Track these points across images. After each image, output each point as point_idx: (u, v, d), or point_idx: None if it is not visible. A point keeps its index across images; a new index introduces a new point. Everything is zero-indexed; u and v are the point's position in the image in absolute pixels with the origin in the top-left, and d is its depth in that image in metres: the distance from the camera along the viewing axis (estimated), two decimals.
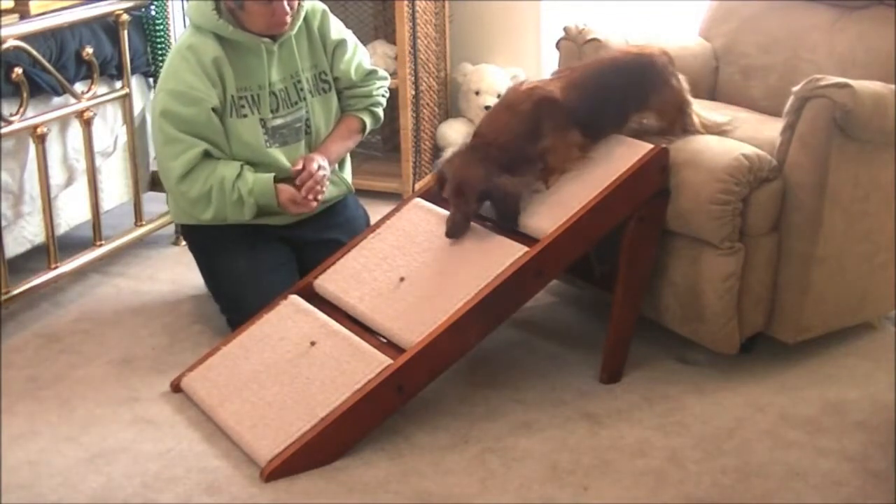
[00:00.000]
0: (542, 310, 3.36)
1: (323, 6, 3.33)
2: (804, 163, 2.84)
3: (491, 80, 4.35)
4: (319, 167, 3.20)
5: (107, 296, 3.55)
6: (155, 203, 3.88)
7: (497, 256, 2.78)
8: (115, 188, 3.82)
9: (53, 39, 3.36)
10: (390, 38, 4.35)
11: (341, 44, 3.34)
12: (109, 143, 3.70)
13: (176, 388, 2.94)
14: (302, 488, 2.52)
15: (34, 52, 3.24)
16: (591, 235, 2.83)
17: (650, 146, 2.88)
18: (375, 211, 3.49)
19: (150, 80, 3.83)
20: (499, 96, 4.30)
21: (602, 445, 2.67)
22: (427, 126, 4.39)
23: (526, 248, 2.77)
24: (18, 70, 3.18)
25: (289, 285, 3.10)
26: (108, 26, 3.58)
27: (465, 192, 2.84)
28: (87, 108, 3.47)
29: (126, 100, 3.67)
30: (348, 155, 3.46)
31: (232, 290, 3.21)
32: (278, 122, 3.22)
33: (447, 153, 2.96)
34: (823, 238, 2.88)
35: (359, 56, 3.40)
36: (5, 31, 3.15)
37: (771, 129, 3.01)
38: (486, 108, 4.27)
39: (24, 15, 3.35)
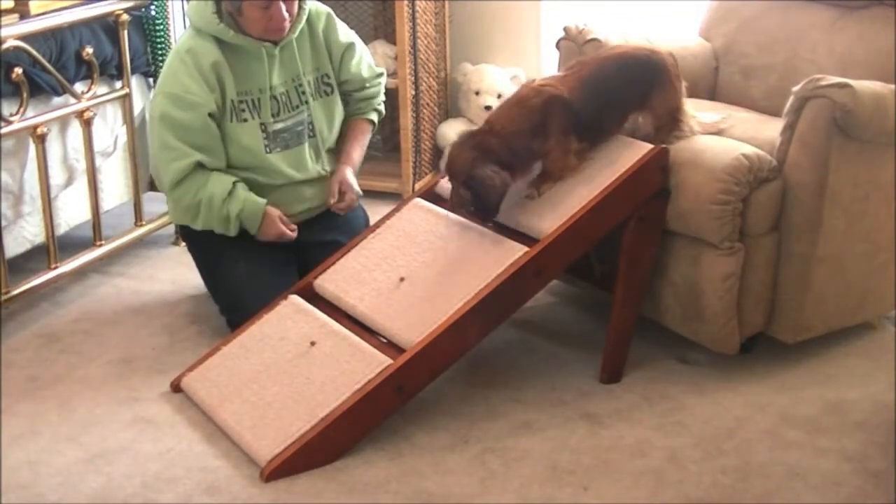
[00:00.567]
0: (542, 310, 3.36)
1: (327, 9, 3.32)
2: (804, 163, 2.84)
3: (491, 80, 4.35)
4: (354, 191, 3.33)
5: (107, 296, 3.55)
6: (155, 203, 3.88)
7: (497, 256, 2.78)
8: (115, 188, 3.82)
9: (53, 39, 3.36)
10: (390, 38, 4.35)
11: (350, 48, 3.34)
12: (109, 143, 3.70)
13: (176, 388, 2.94)
14: (302, 488, 2.52)
15: (34, 52, 3.24)
16: (591, 235, 2.83)
17: (650, 146, 2.88)
18: (375, 211, 3.49)
19: (150, 80, 3.83)
20: (499, 96, 4.31)
21: (602, 445, 2.67)
22: (427, 126, 4.39)
23: (526, 248, 2.77)
24: (18, 70, 3.18)
25: (288, 286, 3.10)
26: (108, 26, 3.58)
27: (455, 174, 2.85)
28: (87, 108, 3.47)
29: (126, 100, 3.67)
30: None
31: (231, 290, 3.21)
32: (279, 126, 3.22)
33: (464, 131, 2.94)
34: (823, 238, 2.88)
35: (366, 57, 3.41)
36: (5, 31, 3.15)
37: (771, 129, 3.01)
38: (487, 108, 4.27)
39: (24, 15, 3.35)
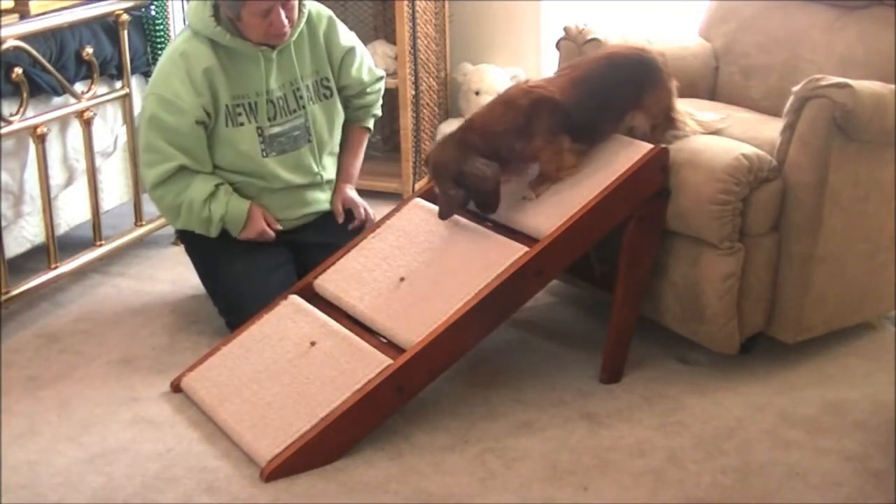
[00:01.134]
0: (542, 310, 3.35)
1: (329, 12, 3.31)
2: (804, 163, 2.84)
3: (491, 80, 4.35)
4: (363, 208, 3.38)
5: (107, 296, 3.55)
6: None
7: (497, 256, 2.78)
8: (115, 188, 3.82)
9: (53, 39, 3.36)
10: (390, 38, 4.35)
11: (350, 52, 3.33)
12: (109, 143, 3.70)
13: (176, 388, 2.94)
14: (302, 488, 2.52)
15: (34, 52, 3.24)
16: (591, 235, 2.83)
17: (650, 146, 2.88)
18: (375, 211, 3.48)
19: (150, 80, 3.82)
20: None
21: (602, 445, 2.67)
22: (427, 126, 4.39)
23: (526, 248, 2.77)
24: (18, 70, 3.18)
25: (287, 287, 3.10)
26: (108, 26, 3.58)
27: (440, 174, 2.84)
28: (87, 108, 3.47)
29: (126, 100, 3.67)
30: None
31: (230, 292, 3.21)
32: (276, 130, 3.21)
33: (440, 136, 2.96)
34: (823, 238, 2.88)
35: (366, 61, 3.40)
36: (5, 31, 3.15)
37: (771, 129, 3.01)
38: None
39: (24, 15, 3.35)
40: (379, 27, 4.56)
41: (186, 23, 3.21)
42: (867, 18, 3.28)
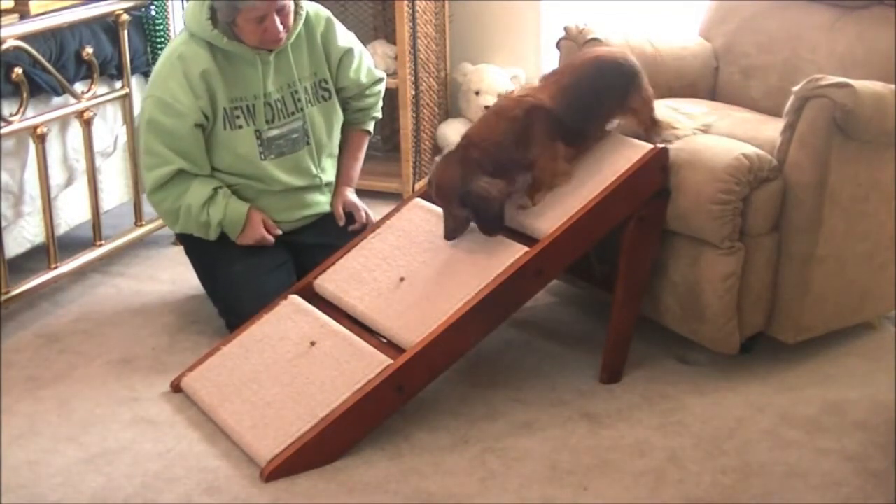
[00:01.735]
0: (542, 310, 3.35)
1: (327, 13, 3.30)
2: (804, 162, 2.84)
3: (491, 80, 4.35)
4: (362, 211, 3.38)
5: (107, 296, 3.55)
6: None
7: (497, 256, 2.78)
8: (115, 188, 3.82)
9: (53, 39, 3.36)
10: (390, 38, 4.35)
11: (348, 53, 3.32)
12: (109, 143, 3.70)
13: (176, 388, 2.94)
14: (302, 488, 2.52)
15: (34, 52, 3.24)
16: (591, 235, 2.83)
17: (650, 146, 2.88)
18: (375, 211, 3.49)
19: (148, 82, 3.82)
20: (499, 96, 4.30)
21: (602, 445, 2.67)
22: (427, 126, 4.39)
23: (526, 248, 2.77)
24: (18, 70, 3.18)
25: (286, 287, 3.10)
26: (108, 26, 3.58)
27: (445, 195, 2.82)
28: (87, 108, 3.47)
29: (126, 100, 3.67)
30: None
31: (229, 293, 3.20)
32: (274, 132, 3.21)
33: (439, 156, 2.94)
34: (823, 238, 2.88)
35: (365, 63, 3.39)
36: (5, 31, 3.15)
37: (771, 129, 3.01)
38: (486, 108, 4.27)
39: (24, 15, 3.35)
40: (379, 27, 4.56)
41: (184, 25, 3.20)
42: (867, 18, 3.28)
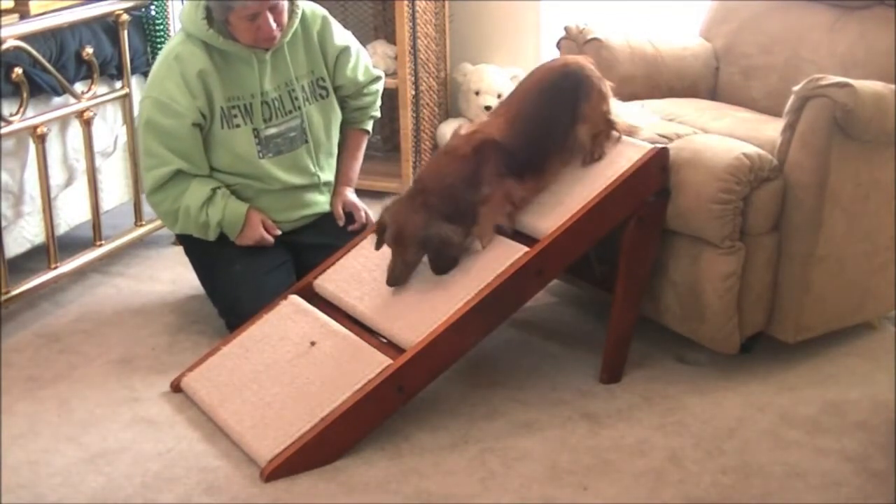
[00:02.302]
0: (542, 310, 3.35)
1: (323, 12, 3.30)
2: (805, 162, 2.84)
3: (491, 80, 4.35)
4: (362, 210, 3.38)
5: (107, 296, 3.55)
6: None
7: (497, 256, 2.78)
8: (115, 188, 3.82)
9: (53, 39, 3.36)
10: (390, 38, 4.35)
11: (345, 51, 3.32)
12: (109, 143, 3.70)
13: (176, 388, 2.93)
14: (302, 488, 2.52)
15: (34, 52, 3.24)
16: (591, 235, 2.83)
17: (650, 146, 2.88)
18: (375, 211, 3.48)
19: (146, 83, 3.82)
20: (499, 96, 4.31)
21: (602, 445, 2.67)
22: (427, 126, 4.39)
23: (526, 248, 2.77)
24: (18, 70, 3.18)
25: (286, 287, 3.10)
26: (108, 26, 3.58)
27: (403, 240, 2.78)
28: (87, 108, 3.47)
29: (126, 100, 3.67)
30: None
31: (228, 293, 3.20)
32: (272, 131, 3.21)
33: (388, 200, 2.85)
34: (823, 238, 2.88)
35: (362, 61, 3.39)
36: (5, 31, 3.15)
37: (772, 129, 3.01)
38: (487, 108, 4.27)
39: (24, 15, 3.35)
40: (379, 27, 4.56)
41: (180, 25, 3.20)
42: (868, 18, 3.28)
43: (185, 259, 3.39)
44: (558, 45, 3.57)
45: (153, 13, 3.76)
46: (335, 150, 3.40)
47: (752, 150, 2.84)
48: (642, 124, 3.01)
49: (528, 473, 2.56)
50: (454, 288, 2.75)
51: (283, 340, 2.89)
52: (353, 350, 2.74)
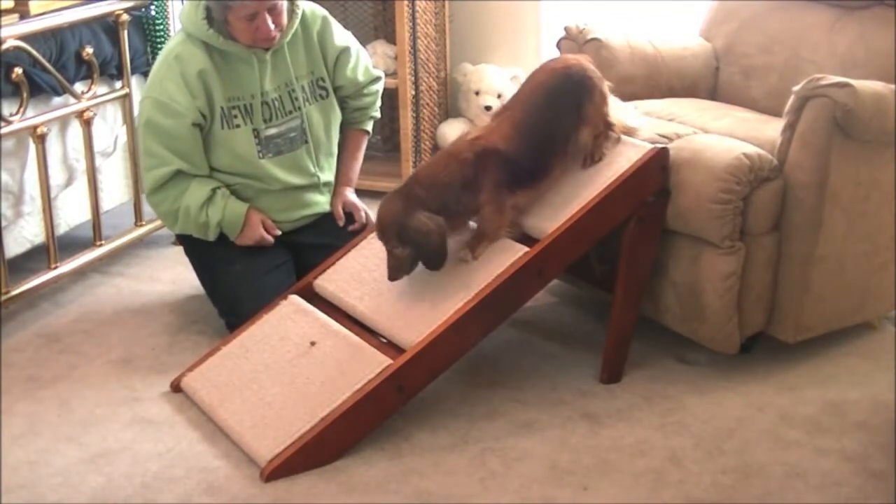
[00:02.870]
0: (542, 310, 3.35)
1: (323, 12, 3.30)
2: (805, 162, 2.84)
3: (491, 80, 4.35)
4: (362, 210, 3.37)
5: (107, 296, 3.55)
6: None
7: (497, 256, 2.78)
8: (115, 188, 3.82)
9: (53, 39, 3.36)
10: (390, 38, 4.35)
11: (345, 52, 3.32)
12: (109, 143, 3.70)
13: (176, 388, 2.94)
14: (302, 488, 2.52)
15: (34, 52, 3.24)
16: (591, 235, 2.83)
17: (650, 146, 2.88)
18: (375, 211, 3.48)
19: (146, 83, 3.82)
20: (499, 96, 4.31)
21: (602, 445, 2.67)
22: (427, 126, 4.39)
23: (526, 248, 2.77)
24: (18, 70, 3.18)
25: (286, 287, 3.10)
26: (108, 26, 3.58)
27: (385, 232, 2.73)
28: (87, 108, 3.47)
29: (126, 100, 3.67)
30: None
31: (228, 293, 3.20)
32: (272, 131, 3.21)
33: (387, 194, 2.81)
34: (823, 238, 2.88)
35: (362, 61, 3.39)
36: (5, 31, 3.15)
37: (772, 128, 3.01)
38: (487, 108, 4.28)
39: (24, 15, 3.35)
40: (379, 27, 4.56)
41: (180, 25, 3.20)
42: (868, 18, 3.28)
43: (185, 259, 3.39)
44: (558, 45, 3.57)
45: (153, 13, 3.76)
46: (335, 151, 3.40)
47: (752, 150, 2.84)
48: (639, 125, 3.01)
49: (528, 473, 2.56)
50: (454, 288, 2.75)
51: (283, 340, 2.89)
52: (353, 350, 2.74)
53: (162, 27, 3.77)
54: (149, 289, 3.59)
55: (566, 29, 3.53)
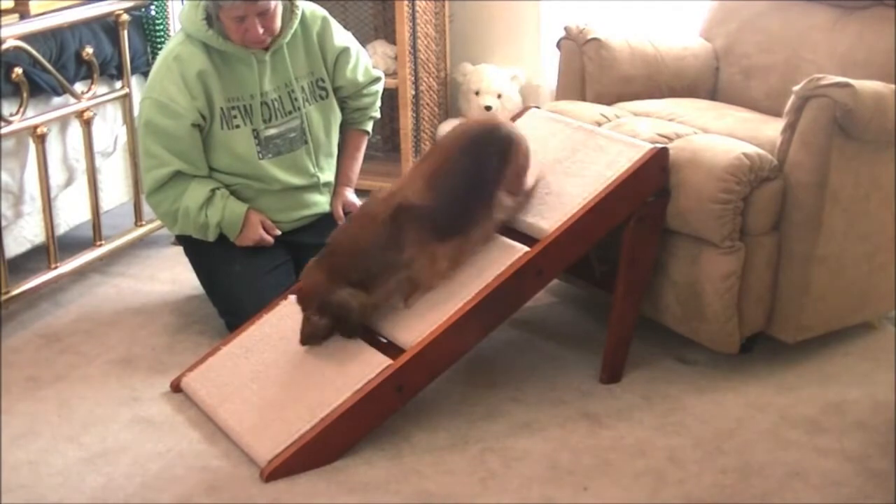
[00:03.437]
0: (542, 310, 3.35)
1: (323, 12, 3.30)
2: (805, 162, 2.84)
3: (491, 80, 4.35)
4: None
5: (107, 296, 3.55)
6: None
7: (497, 256, 2.78)
8: (115, 188, 3.82)
9: (53, 39, 3.36)
10: (390, 38, 4.35)
11: (344, 52, 3.32)
12: (109, 143, 3.70)
13: (176, 388, 2.94)
14: (302, 488, 2.52)
15: (34, 52, 3.24)
16: (591, 235, 2.83)
17: (650, 146, 2.88)
18: None
19: (146, 84, 3.82)
20: (499, 96, 4.31)
21: (602, 445, 2.67)
22: (427, 126, 4.39)
23: (526, 248, 2.77)
24: (18, 70, 3.18)
25: (285, 287, 3.10)
26: (108, 26, 3.58)
27: (305, 301, 2.73)
28: (87, 108, 3.47)
29: (126, 100, 3.67)
30: None
31: (228, 293, 3.20)
32: (272, 132, 3.21)
33: (311, 261, 2.78)
34: (823, 238, 2.88)
35: (362, 61, 3.39)
36: (5, 31, 3.15)
37: (772, 128, 3.01)
38: (487, 108, 4.28)
39: (24, 15, 3.35)
40: (379, 27, 4.56)
41: (180, 25, 3.20)
42: (868, 18, 3.28)
43: (185, 259, 3.39)
44: (558, 45, 3.57)
45: (153, 13, 3.76)
46: (335, 151, 3.40)
47: (752, 149, 2.84)
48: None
49: (528, 473, 2.56)
50: (454, 288, 2.75)
51: (283, 340, 2.89)
52: (353, 350, 2.74)
53: (162, 27, 3.77)
54: (149, 289, 3.59)
55: (566, 29, 3.53)
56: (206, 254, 3.26)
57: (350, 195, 3.41)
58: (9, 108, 3.21)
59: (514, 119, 3.25)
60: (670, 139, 2.98)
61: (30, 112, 3.26)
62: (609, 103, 3.41)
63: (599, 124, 3.13)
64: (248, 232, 3.18)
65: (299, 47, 3.24)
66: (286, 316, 2.97)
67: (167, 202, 3.15)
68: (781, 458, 2.61)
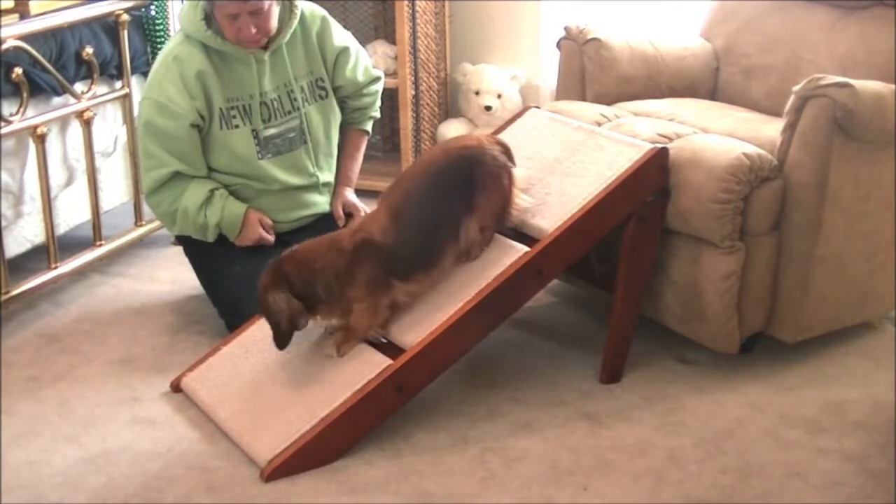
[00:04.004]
0: (542, 310, 3.35)
1: (323, 12, 3.30)
2: (805, 162, 2.84)
3: (491, 80, 4.35)
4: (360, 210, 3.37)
5: (107, 296, 3.55)
6: None
7: (497, 256, 2.78)
8: (115, 188, 3.82)
9: (53, 39, 3.36)
10: (390, 38, 4.36)
11: (344, 52, 3.32)
12: (109, 143, 3.71)
13: (176, 388, 2.94)
14: (302, 488, 2.52)
15: (34, 52, 3.24)
16: (591, 235, 2.83)
17: (650, 146, 2.88)
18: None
19: (145, 84, 3.82)
20: (499, 96, 4.31)
21: (602, 445, 2.67)
22: (427, 126, 4.39)
23: (526, 248, 2.77)
24: (18, 70, 3.18)
25: None
26: (108, 26, 3.58)
27: (257, 299, 2.69)
28: (87, 108, 3.47)
29: (126, 100, 3.67)
30: None
31: (228, 293, 3.20)
32: (271, 132, 3.21)
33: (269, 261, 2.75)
34: (824, 237, 2.88)
35: (362, 61, 3.38)
36: (5, 31, 3.15)
37: (772, 128, 3.01)
38: (487, 108, 4.28)
39: (24, 15, 3.35)
40: (379, 27, 4.56)
41: (179, 26, 3.20)
42: (868, 18, 3.28)
43: (185, 259, 3.39)
44: (558, 45, 3.57)
45: (153, 13, 3.76)
46: (334, 151, 3.40)
47: (752, 149, 2.84)
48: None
49: (528, 473, 2.56)
50: (454, 288, 2.75)
51: None
52: (353, 350, 2.74)
53: (162, 27, 3.77)
54: (149, 289, 3.59)
55: (566, 29, 3.53)
56: (206, 254, 3.26)
57: (350, 195, 3.41)
58: (9, 108, 3.21)
59: (513, 119, 3.25)
60: (670, 139, 2.98)
61: (30, 112, 3.26)
62: (609, 103, 3.41)
63: (599, 124, 3.14)
64: (248, 232, 3.18)
65: (299, 47, 3.24)
66: None
67: (166, 203, 3.15)
68: (781, 458, 2.61)
